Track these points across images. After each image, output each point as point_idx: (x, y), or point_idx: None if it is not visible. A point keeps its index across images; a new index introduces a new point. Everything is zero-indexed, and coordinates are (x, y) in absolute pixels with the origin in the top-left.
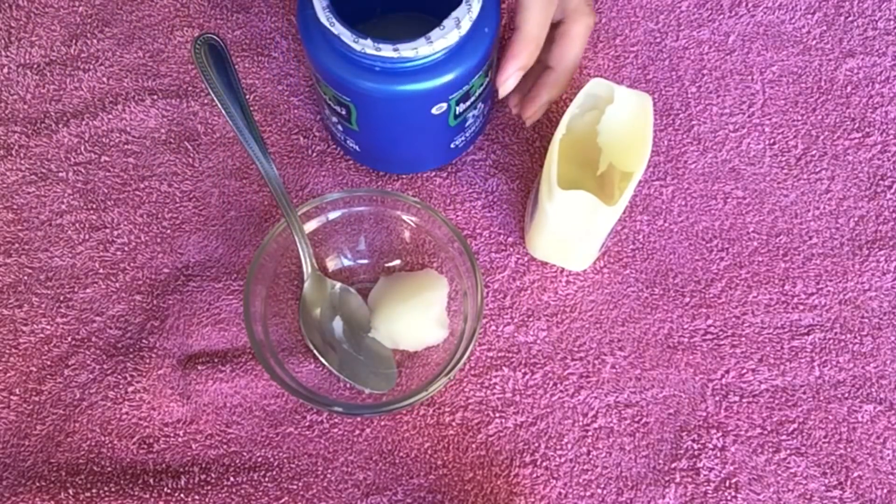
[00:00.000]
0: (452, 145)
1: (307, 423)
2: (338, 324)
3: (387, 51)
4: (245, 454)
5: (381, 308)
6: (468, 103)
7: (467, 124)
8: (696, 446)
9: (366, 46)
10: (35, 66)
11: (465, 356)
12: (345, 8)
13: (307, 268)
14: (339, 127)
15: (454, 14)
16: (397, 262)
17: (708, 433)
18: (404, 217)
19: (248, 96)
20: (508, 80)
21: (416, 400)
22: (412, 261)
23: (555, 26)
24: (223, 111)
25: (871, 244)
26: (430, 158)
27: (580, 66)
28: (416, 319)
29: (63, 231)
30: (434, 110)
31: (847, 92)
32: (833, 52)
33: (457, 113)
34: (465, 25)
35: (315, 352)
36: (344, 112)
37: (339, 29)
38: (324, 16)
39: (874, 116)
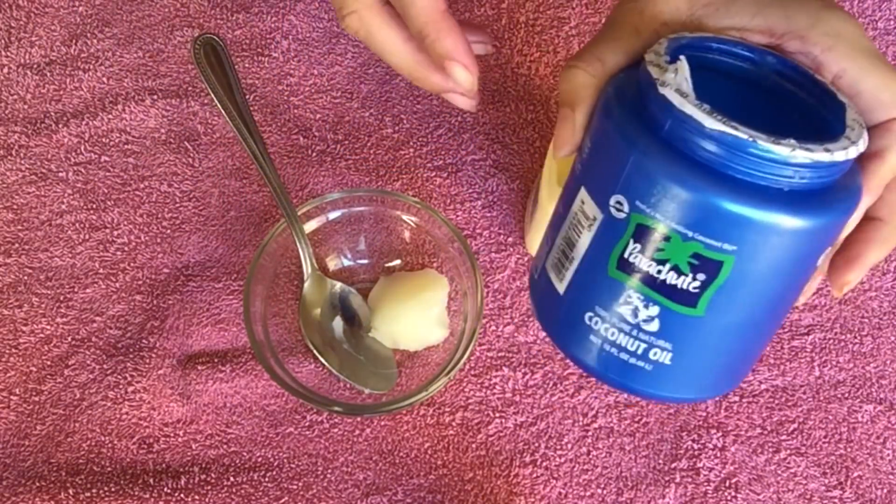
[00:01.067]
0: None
1: (307, 423)
2: (338, 324)
3: (818, 153)
4: (245, 454)
5: (381, 308)
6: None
7: None
8: (696, 446)
9: (794, 150)
10: (35, 66)
11: (465, 356)
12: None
13: (307, 268)
14: (650, 324)
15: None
16: (397, 262)
17: (708, 433)
18: (404, 217)
19: (248, 96)
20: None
21: (416, 400)
22: (412, 261)
23: (873, 156)
24: (223, 111)
25: None
26: (745, 369)
27: None
28: (416, 319)
29: (63, 231)
30: (819, 259)
31: None
32: None
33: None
34: (861, 143)
35: (315, 352)
36: (696, 282)
37: (741, 129)
38: (703, 113)
39: None
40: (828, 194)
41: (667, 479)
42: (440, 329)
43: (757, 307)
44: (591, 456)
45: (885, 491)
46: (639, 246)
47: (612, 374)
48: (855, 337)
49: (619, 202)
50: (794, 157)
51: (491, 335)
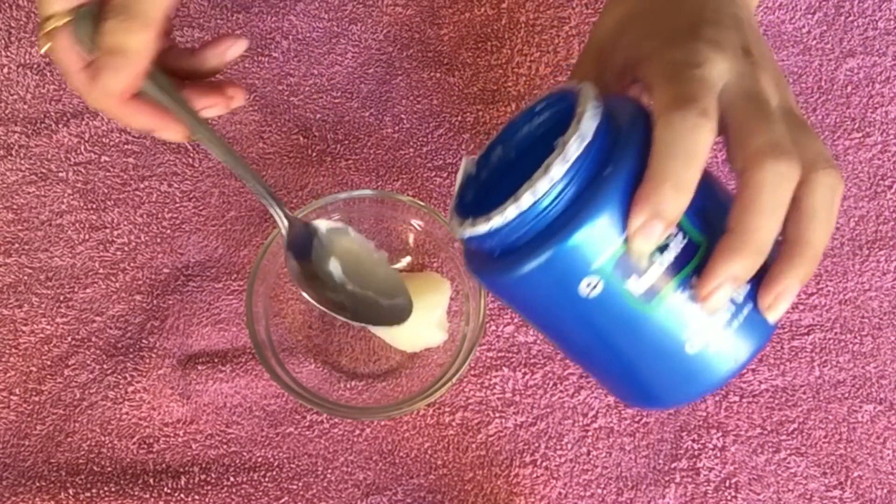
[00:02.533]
0: (691, 348)
1: (307, 423)
2: (335, 267)
3: (481, 224)
4: (245, 454)
5: None
6: (653, 273)
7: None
8: (696, 446)
9: (463, 227)
10: (35, 66)
11: (468, 361)
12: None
13: (282, 220)
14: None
15: (547, 161)
16: (398, 262)
17: (708, 433)
18: (405, 217)
19: (248, 96)
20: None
21: (417, 406)
22: (413, 262)
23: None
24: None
25: (871, 244)
26: (667, 380)
27: None
28: (417, 322)
29: (63, 231)
30: (585, 290)
31: (847, 92)
32: (833, 52)
33: (642, 291)
34: (558, 172)
35: (324, 309)
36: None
37: (456, 220)
38: (455, 221)
39: (874, 116)
40: (525, 242)
41: (667, 479)
42: (440, 332)
43: (577, 346)
44: (591, 456)
45: (885, 491)
46: None
47: None
48: (855, 337)
49: None
50: (464, 233)
51: (491, 335)
